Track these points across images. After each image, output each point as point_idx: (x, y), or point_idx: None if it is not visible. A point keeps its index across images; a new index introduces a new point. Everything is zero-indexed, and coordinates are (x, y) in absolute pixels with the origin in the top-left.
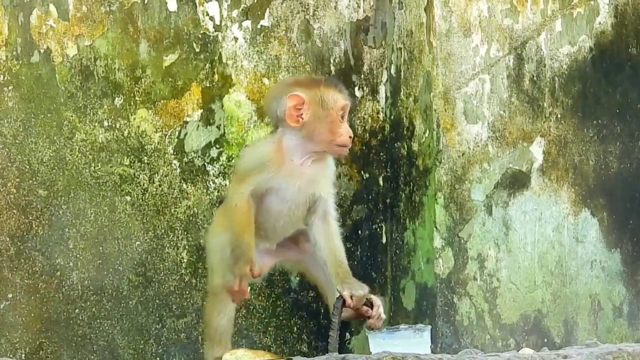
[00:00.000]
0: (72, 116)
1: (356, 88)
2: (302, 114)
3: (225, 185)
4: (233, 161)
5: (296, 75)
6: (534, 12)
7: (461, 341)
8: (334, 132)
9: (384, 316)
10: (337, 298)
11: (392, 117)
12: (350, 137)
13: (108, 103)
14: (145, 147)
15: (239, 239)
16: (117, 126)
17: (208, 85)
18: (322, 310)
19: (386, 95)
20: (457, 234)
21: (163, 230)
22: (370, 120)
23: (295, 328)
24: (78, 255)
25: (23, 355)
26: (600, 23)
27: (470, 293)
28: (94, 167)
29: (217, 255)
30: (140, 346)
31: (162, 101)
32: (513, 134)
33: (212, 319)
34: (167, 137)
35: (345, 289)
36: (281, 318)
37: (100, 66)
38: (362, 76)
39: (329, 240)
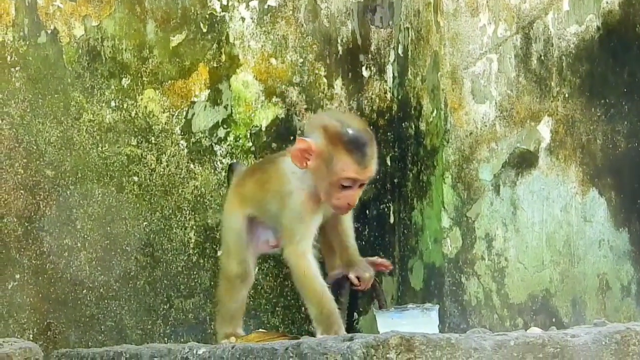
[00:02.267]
0: (79, 97)
1: (363, 68)
2: (309, 160)
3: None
4: (240, 141)
5: (346, 113)
6: None
7: (469, 321)
8: (330, 195)
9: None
10: (343, 278)
11: (399, 97)
12: (349, 204)
13: (115, 83)
14: (153, 127)
15: (325, 308)
16: (125, 107)
17: (215, 65)
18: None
19: (394, 75)
20: (465, 213)
21: (171, 211)
22: (377, 100)
23: (303, 308)
24: (86, 236)
25: (31, 335)
26: (607, 2)
27: (478, 273)
28: (102, 148)
29: (234, 240)
30: (148, 326)
31: (169, 81)
32: (521, 113)
33: (224, 302)
34: (174, 117)
35: (352, 270)
36: (289, 298)
37: (108, 47)
38: (370, 56)
39: (340, 229)
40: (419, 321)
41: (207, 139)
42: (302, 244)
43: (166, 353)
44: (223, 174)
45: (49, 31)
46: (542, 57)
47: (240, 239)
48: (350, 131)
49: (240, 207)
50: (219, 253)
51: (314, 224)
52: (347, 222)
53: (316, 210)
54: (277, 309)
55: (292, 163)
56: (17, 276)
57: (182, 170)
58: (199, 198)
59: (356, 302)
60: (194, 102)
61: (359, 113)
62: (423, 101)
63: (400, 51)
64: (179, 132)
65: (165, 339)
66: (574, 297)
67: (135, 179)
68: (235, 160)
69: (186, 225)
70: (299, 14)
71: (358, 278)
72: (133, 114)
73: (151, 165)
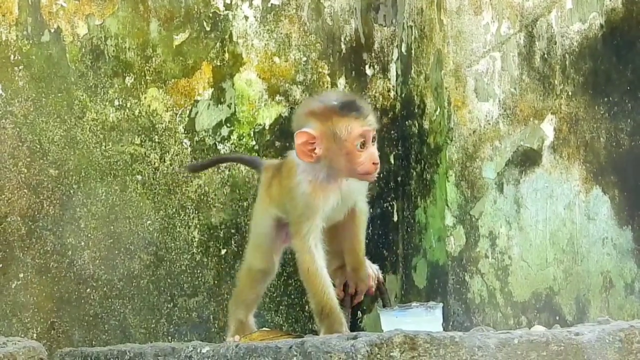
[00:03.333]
0: (82, 95)
1: (367, 66)
2: (314, 149)
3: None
4: (244, 140)
5: (317, 97)
6: None
7: (473, 319)
8: (352, 162)
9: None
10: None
11: (403, 95)
12: (374, 163)
13: (119, 82)
14: (156, 126)
15: (327, 305)
16: (128, 105)
17: (219, 64)
18: None
19: (397, 73)
20: (469, 211)
21: (174, 210)
22: (381, 99)
23: (306, 307)
24: (89, 235)
25: (35, 334)
26: (610, 0)
27: (481, 271)
28: (105, 147)
29: (262, 237)
30: (152, 325)
31: (172, 80)
32: (524, 111)
33: (243, 290)
34: (177, 116)
35: (353, 279)
36: (292, 297)
37: (111, 45)
38: (373, 54)
39: (352, 233)
40: (423, 319)
41: (210, 137)
42: (308, 239)
43: (170, 352)
44: (227, 172)
45: (52, 30)
46: (546, 55)
47: (267, 236)
48: (333, 100)
49: (269, 207)
50: (222, 252)
51: (320, 217)
52: (362, 223)
53: (326, 201)
54: (280, 307)
55: (295, 156)
56: (21, 275)
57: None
58: (202, 197)
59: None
60: (197, 101)
61: None
62: (426, 99)
63: (403, 49)
64: (182, 130)
65: (169, 337)
66: (577, 295)
67: (139, 177)
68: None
69: (190, 224)
70: (302, 13)
71: (356, 290)
72: (136, 112)
73: (155, 164)
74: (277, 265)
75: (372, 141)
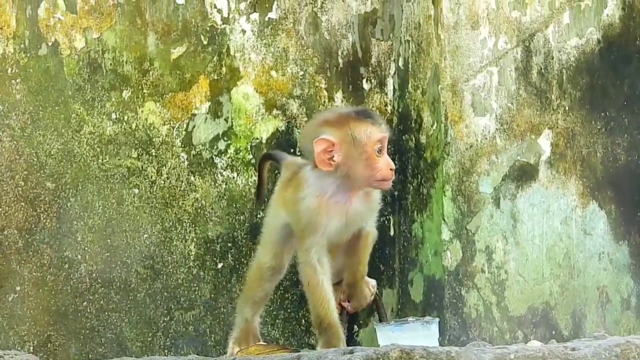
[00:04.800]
0: (80, 109)
1: (364, 80)
2: (333, 157)
3: (233, 177)
4: (241, 154)
5: (327, 110)
6: (542, 5)
7: (469, 334)
8: (372, 168)
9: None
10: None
11: (400, 110)
12: (391, 169)
13: (116, 96)
14: (153, 139)
15: (326, 320)
16: (125, 119)
17: (216, 77)
18: None
19: (394, 87)
20: (465, 226)
21: (171, 223)
22: (378, 113)
23: (303, 320)
24: (86, 248)
25: (31, 347)
26: (607, 15)
27: (478, 285)
28: (102, 160)
29: (273, 234)
30: (149, 339)
31: (170, 94)
32: (521, 126)
33: (252, 287)
34: (175, 129)
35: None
36: (289, 310)
37: (108, 59)
38: (370, 69)
39: (355, 254)
40: (419, 334)
41: (207, 151)
42: (309, 252)
43: None
44: (223, 186)
45: (50, 43)
46: (543, 70)
47: (279, 234)
48: (347, 109)
49: (280, 208)
50: (219, 265)
51: (325, 231)
52: (367, 246)
53: (330, 217)
54: (277, 321)
55: (310, 171)
56: (18, 288)
57: (182, 182)
58: (199, 210)
59: (356, 315)
60: (194, 115)
61: None
62: (423, 114)
63: (400, 64)
64: (179, 144)
65: (166, 351)
66: (574, 310)
67: (136, 191)
68: (235, 174)
69: (186, 237)
70: (299, 27)
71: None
72: (134, 126)
73: (151, 177)
74: (286, 264)
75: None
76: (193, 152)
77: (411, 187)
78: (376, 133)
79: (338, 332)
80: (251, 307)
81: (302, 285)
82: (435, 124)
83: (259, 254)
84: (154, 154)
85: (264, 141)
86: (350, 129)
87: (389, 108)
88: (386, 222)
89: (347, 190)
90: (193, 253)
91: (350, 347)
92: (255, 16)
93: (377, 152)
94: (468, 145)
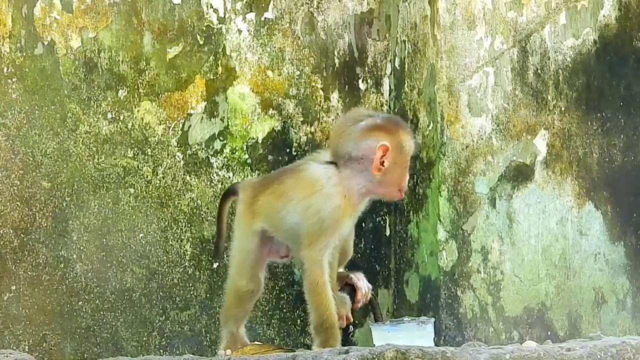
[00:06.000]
0: (75, 108)
1: (360, 81)
2: (384, 162)
3: (229, 177)
4: (237, 154)
5: (363, 110)
6: (538, 5)
7: (465, 334)
8: (403, 177)
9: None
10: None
11: (396, 110)
12: (407, 181)
13: (112, 95)
14: (149, 139)
15: (328, 320)
16: (121, 118)
17: (212, 77)
18: None
19: (390, 87)
20: (461, 226)
21: (167, 223)
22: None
23: (298, 320)
24: (82, 248)
25: (26, 347)
26: (604, 16)
27: (473, 286)
28: (98, 159)
29: (246, 257)
30: (144, 338)
31: (165, 93)
32: (517, 126)
33: (231, 307)
34: (170, 129)
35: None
36: (284, 310)
37: (104, 58)
38: (366, 69)
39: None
40: (415, 334)
41: (203, 151)
42: (321, 252)
43: None
44: (219, 186)
45: (46, 42)
46: (539, 71)
47: (252, 256)
48: (393, 118)
49: (252, 223)
50: (214, 265)
51: (338, 234)
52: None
53: (350, 218)
54: (272, 321)
55: (323, 170)
56: (13, 287)
57: (178, 182)
58: (195, 210)
59: (352, 315)
60: (190, 114)
61: None
62: (419, 114)
63: (397, 64)
64: (175, 144)
65: (161, 351)
66: (569, 311)
67: (132, 190)
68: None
69: (182, 237)
70: (295, 27)
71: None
72: (129, 125)
73: (147, 177)
74: (262, 282)
75: None
76: (189, 151)
77: (407, 188)
78: (414, 145)
79: (337, 333)
80: (234, 322)
81: (306, 285)
82: (431, 124)
83: (234, 279)
84: (149, 153)
85: (260, 141)
86: (399, 136)
87: (385, 108)
88: (382, 222)
89: (365, 194)
90: (189, 253)
91: (346, 347)
92: (251, 16)
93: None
94: (464, 145)
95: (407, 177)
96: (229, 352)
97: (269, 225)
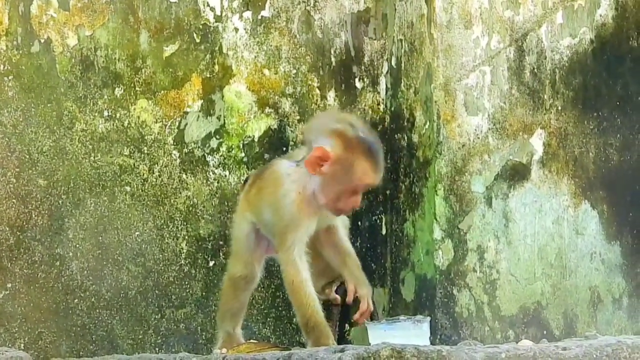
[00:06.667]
0: (72, 106)
1: (357, 79)
2: (323, 166)
3: (225, 176)
4: (233, 152)
5: (349, 115)
6: (535, 4)
7: (460, 333)
8: (339, 199)
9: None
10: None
11: (392, 109)
12: (353, 208)
13: (108, 93)
14: (145, 137)
15: (312, 318)
16: (117, 116)
17: (208, 75)
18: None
19: (387, 86)
20: (457, 225)
21: (163, 221)
22: (370, 112)
23: (294, 319)
24: (77, 245)
25: (22, 344)
26: (601, 15)
27: (469, 285)
28: (94, 157)
29: (241, 243)
30: (140, 336)
31: (162, 91)
32: (513, 125)
33: (227, 300)
34: (167, 127)
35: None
36: (280, 309)
37: (101, 56)
38: (363, 67)
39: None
40: (410, 333)
41: (199, 149)
42: (293, 250)
43: None
44: (215, 184)
45: (42, 40)
46: (535, 70)
47: (247, 242)
48: (365, 137)
49: (246, 213)
50: (210, 264)
51: (306, 229)
52: (342, 229)
53: (310, 215)
54: (268, 319)
55: (284, 166)
56: (9, 285)
57: (174, 180)
58: (191, 208)
59: (348, 314)
60: (186, 113)
61: None
62: (416, 113)
63: (393, 63)
64: (171, 142)
65: (157, 349)
66: (565, 310)
67: (128, 188)
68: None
69: (178, 235)
70: (292, 25)
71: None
72: (126, 123)
73: (143, 175)
74: (258, 273)
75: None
76: (185, 150)
77: (403, 186)
78: (370, 178)
79: (326, 330)
80: (230, 320)
81: (285, 285)
82: (428, 123)
83: (230, 265)
84: (146, 151)
85: (256, 139)
86: (353, 158)
87: (381, 107)
88: (378, 221)
89: (317, 197)
90: (184, 251)
91: (342, 346)
92: (248, 14)
93: (356, 191)
94: (460, 144)
95: (349, 203)
96: (224, 350)
97: (255, 217)
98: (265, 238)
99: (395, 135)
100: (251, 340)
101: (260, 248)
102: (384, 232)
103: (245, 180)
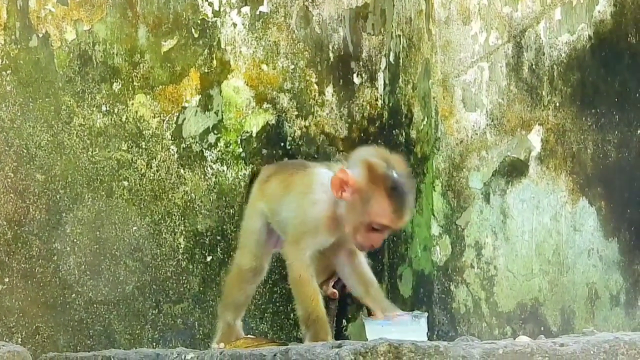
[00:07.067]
0: (70, 101)
1: (355, 75)
2: (345, 192)
3: (223, 171)
4: (231, 147)
5: (395, 156)
6: (533, 1)
7: (458, 329)
8: (358, 232)
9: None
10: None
11: (390, 105)
12: (372, 245)
13: (106, 88)
14: (143, 132)
15: (314, 313)
16: (115, 111)
17: (206, 71)
18: None
19: (385, 82)
20: (455, 221)
21: (160, 216)
22: (368, 107)
23: (291, 314)
24: (75, 240)
25: (19, 339)
26: (599, 12)
27: (467, 281)
28: (92, 152)
29: (252, 236)
30: (137, 331)
31: (160, 86)
32: (511, 122)
33: (232, 291)
34: (165, 122)
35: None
36: (277, 304)
37: (99, 51)
38: (361, 63)
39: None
40: (408, 329)
41: (197, 144)
42: (303, 250)
43: (154, 358)
44: (213, 179)
45: (41, 35)
46: (534, 66)
47: (258, 236)
48: (395, 176)
49: (257, 203)
50: (208, 259)
51: (322, 241)
52: (362, 254)
53: (331, 232)
54: (265, 315)
55: (323, 175)
56: (6, 280)
57: (172, 175)
58: (188, 203)
59: (345, 309)
60: (184, 108)
61: (349, 120)
62: (414, 109)
63: (391, 58)
64: (169, 137)
65: (154, 343)
66: (563, 306)
67: (125, 183)
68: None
69: (176, 230)
70: (290, 21)
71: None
72: (124, 118)
73: (141, 170)
74: (266, 266)
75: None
76: (183, 145)
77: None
78: (386, 220)
79: (325, 326)
80: (232, 311)
81: (289, 279)
82: (426, 119)
83: (238, 257)
84: (143, 146)
85: (254, 135)
86: (373, 193)
87: (379, 103)
88: None
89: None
90: (182, 246)
91: (339, 341)
92: (246, 9)
93: (373, 229)
94: (458, 140)
95: (370, 238)
96: (222, 345)
97: (268, 209)
98: (276, 233)
99: (393, 131)
100: (248, 336)
101: (270, 242)
102: None
103: (254, 174)
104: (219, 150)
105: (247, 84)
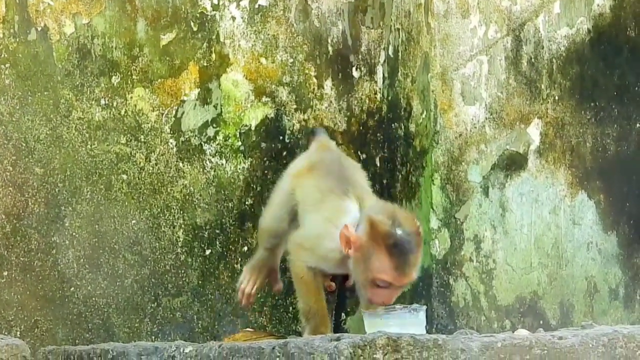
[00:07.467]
0: (68, 94)
1: (354, 68)
2: (350, 249)
3: (222, 164)
4: (230, 140)
5: (405, 212)
6: None
7: (457, 322)
8: (365, 288)
9: None
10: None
11: (389, 98)
12: (383, 302)
13: (105, 81)
14: (142, 125)
15: (314, 306)
16: (114, 105)
17: (205, 64)
18: None
19: (384, 75)
20: (454, 215)
21: (159, 209)
22: (367, 101)
23: (290, 308)
24: (74, 234)
25: (18, 332)
26: (598, 5)
27: (466, 274)
28: (91, 146)
29: (278, 197)
30: (136, 325)
31: (159, 80)
32: (510, 115)
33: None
34: (164, 116)
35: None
36: (276, 297)
37: (98, 44)
38: (360, 56)
39: None
40: (407, 322)
41: (196, 137)
42: (306, 259)
43: (153, 351)
44: (212, 173)
45: (39, 28)
46: (533, 60)
47: (285, 200)
48: (398, 234)
49: (292, 188)
50: (207, 252)
51: (326, 268)
52: None
53: (338, 268)
54: (264, 308)
55: (351, 214)
56: (5, 273)
57: (171, 169)
58: (187, 197)
59: (344, 302)
60: (183, 101)
61: (348, 113)
62: (413, 102)
63: (390, 52)
64: (168, 130)
65: (153, 337)
66: (561, 300)
67: (124, 177)
68: (224, 160)
69: (175, 224)
70: (289, 14)
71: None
72: (122, 112)
73: (140, 163)
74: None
75: (398, 287)
76: (182, 138)
77: (400, 176)
78: (387, 276)
79: (326, 320)
80: (271, 238)
81: (292, 272)
82: (425, 113)
83: (262, 216)
84: (142, 140)
85: (253, 128)
86: (374, 250)
87: (378, 96)
88: None
89: None
90: (181, 239)
91: (337, 334)
92: (245, 3)
93: (378, 286)
94: (457, 134)
95: (377, 298)
96: (248, 277)
97: (296, 198)
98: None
99: (392, 125)
100: (247, 329)
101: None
102: None
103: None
104: (217, 144)
105: (246, 78)
